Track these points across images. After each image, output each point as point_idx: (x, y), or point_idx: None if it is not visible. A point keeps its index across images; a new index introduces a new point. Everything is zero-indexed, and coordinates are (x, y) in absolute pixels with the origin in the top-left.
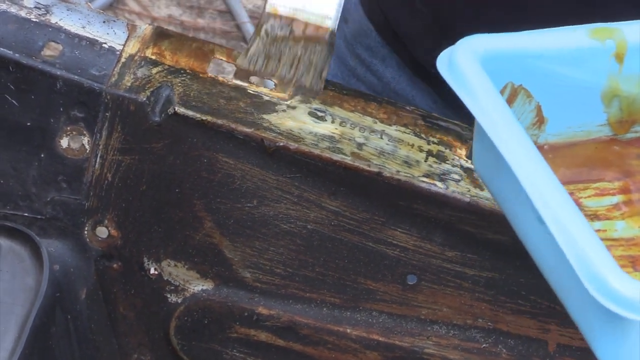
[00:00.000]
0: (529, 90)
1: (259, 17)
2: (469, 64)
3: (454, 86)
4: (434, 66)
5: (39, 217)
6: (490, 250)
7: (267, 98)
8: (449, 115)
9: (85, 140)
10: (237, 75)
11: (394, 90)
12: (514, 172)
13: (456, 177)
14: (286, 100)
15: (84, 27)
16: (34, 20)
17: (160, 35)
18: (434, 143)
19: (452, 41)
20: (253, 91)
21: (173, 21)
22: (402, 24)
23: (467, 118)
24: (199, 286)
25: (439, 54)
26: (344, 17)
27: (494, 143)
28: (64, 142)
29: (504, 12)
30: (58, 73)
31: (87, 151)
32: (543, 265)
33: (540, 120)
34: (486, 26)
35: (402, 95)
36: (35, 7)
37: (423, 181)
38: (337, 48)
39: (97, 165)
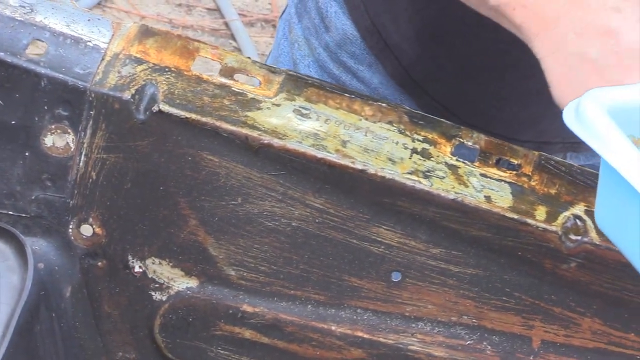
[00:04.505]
0: None
1: (247, 14)
2: (598, 114)
3: (584, 136)
4: (419, 73)
5: (24, 215)
6: (475, 247)
7: (251, 96)
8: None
9: (70, 138)
10: None
11: (382, 96)
12: None
13: (440, 174)
14: (271, 98)
15: (68, 25)
16: (19, 18)
17: (145, 33)
18: (418, 140)
19: (440, 48)
20: (238, 89)
21: (162, 19)
22: (391, 30)
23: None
24: (183, 284)
25: (426, 61)
26: (325, 26)
27: (635, 189)
28: (49, 141)
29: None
30: (42, 71)
31: (72, 149)
32: None
33: None
34: (474, 34)
35: (391, 101)
36: (20, 6)
37: (407, 178)
38: (319, 57)
39: (81, 164)
